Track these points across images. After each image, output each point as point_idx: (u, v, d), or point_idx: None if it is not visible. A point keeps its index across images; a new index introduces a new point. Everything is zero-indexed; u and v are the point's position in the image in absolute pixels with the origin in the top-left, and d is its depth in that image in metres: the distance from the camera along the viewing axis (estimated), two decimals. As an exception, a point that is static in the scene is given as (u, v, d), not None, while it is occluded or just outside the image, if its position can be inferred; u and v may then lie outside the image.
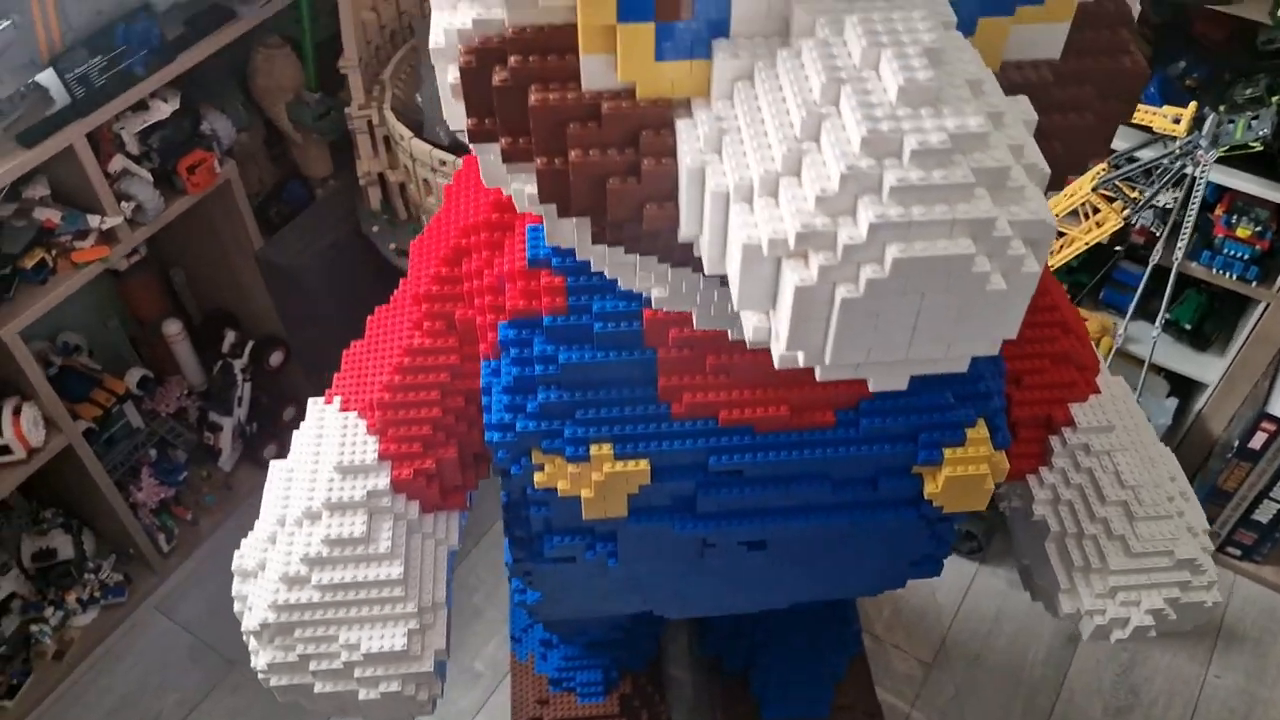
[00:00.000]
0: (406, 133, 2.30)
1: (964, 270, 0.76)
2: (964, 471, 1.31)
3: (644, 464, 1.35)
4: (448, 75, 1.00)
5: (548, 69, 0.93)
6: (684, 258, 1.03)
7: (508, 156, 0.98)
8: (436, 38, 0.99)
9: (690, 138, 0.89)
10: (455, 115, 1.02)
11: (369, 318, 1.55)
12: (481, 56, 0.95)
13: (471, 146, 1.02)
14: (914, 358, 0.82)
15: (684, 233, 0.94)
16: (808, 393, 1.33)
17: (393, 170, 2.44)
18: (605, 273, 1.15)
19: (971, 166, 0.75)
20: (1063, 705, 2.64)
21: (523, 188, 1.07)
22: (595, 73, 0.92)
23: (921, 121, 0.75)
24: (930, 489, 1.43)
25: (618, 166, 0.94)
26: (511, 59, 0.92)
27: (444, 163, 2.30)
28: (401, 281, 1.56)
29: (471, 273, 1.40)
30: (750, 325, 0.87)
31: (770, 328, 0.87)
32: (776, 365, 0.87)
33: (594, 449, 1.34)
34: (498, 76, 0.93)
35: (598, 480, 1.36)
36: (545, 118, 0.93)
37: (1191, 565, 1.49)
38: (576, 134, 0.92)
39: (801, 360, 0.83)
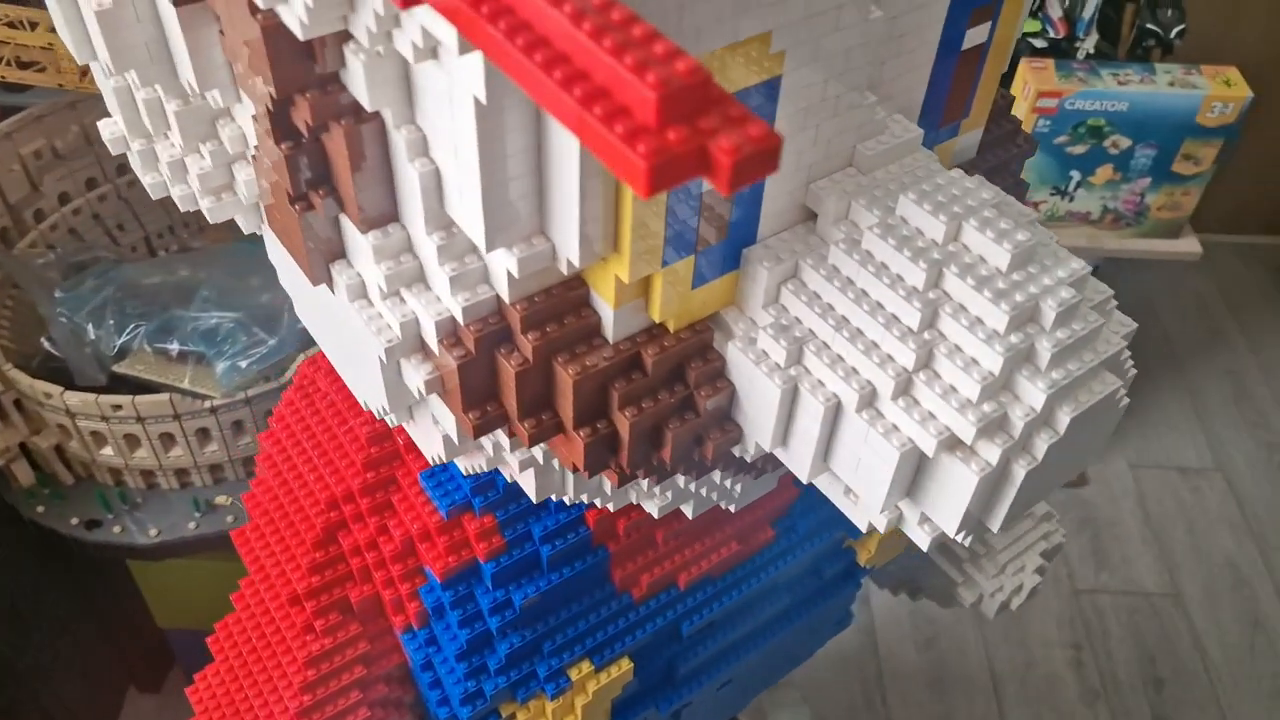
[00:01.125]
0: (52, 389, 1.90)
1: (1113, 400, 0.78)
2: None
3: (625, 663, 1.25)
4: (418, 374, 0.84)
5: (568, 334, 0.80)
6: (718, 465, 0.95)
7: (534, 440, 0.84)
8: (389, 334, 0.83)
9: (753, 356, 0.82)
10: (392, 396, 0.87)
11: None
12: (483, 344, 0.80)
13: (473, 438, 0.86)
14: (1055, 484, 0.83)
15: (759, 451, 0.87)
16: (747, 519, 1.30)
17: (38, 436, 2.00)
18: (577, 499, 1.04)
19: (1091, 306, 0.77)
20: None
21: (514, 462, 0.93)
22: (626, 322, 0.81)
23: (1040, 280, 0.76)
24: (865, 556, 1.47)
25: (671, 408, 0.84)
26: (529, 336, 0.79)
27: (118, 408, 1.93)
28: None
29: (361, 546, 1.19)
30: (884, 521, 0.83)
31: (903, 515, 0.84)
32: (925, 549, 0.84)
33: (573, 672, 1.22)
34: (514, 362, 0.80)
35: (584, 703, 1.24)
36: (587, 388, 0.81)
37: (1046, 516, 1.67)
38: (624, 392, 0.81)
39: (967, 540, 0.81)
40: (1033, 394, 0.74)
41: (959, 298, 0.76)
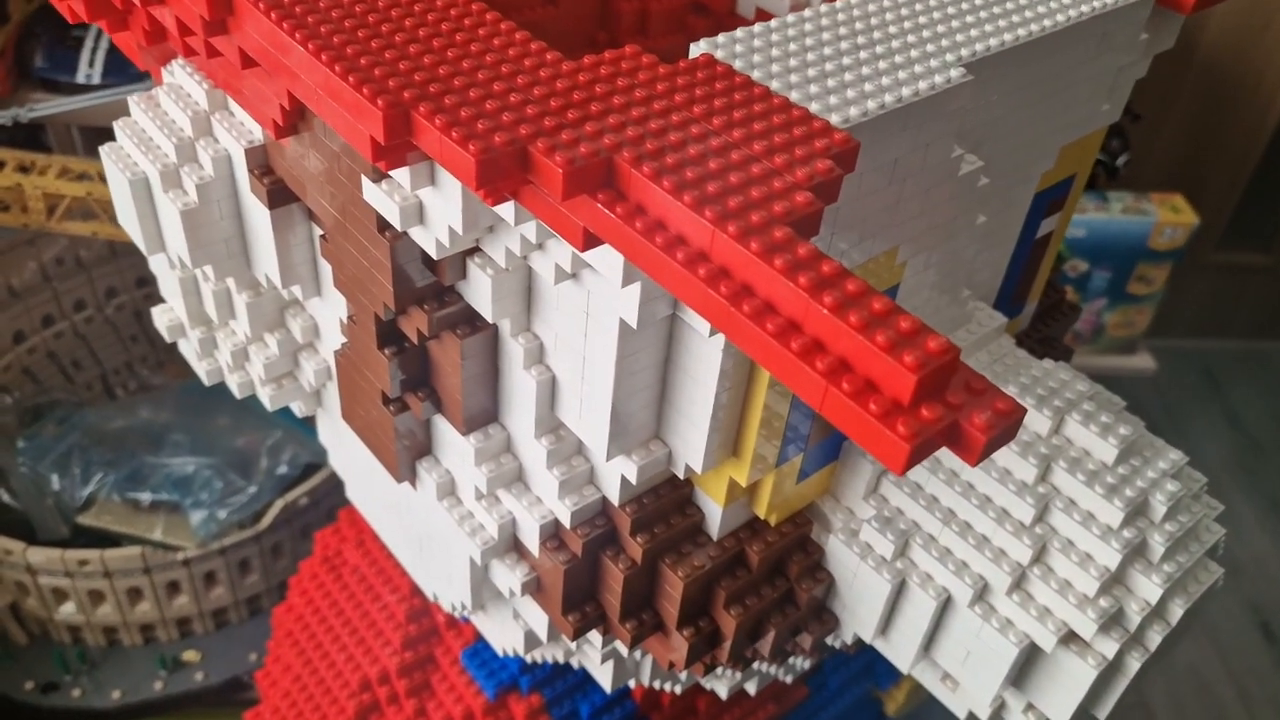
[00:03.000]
0: (12, 544, 1.80)
1: (1216, 589, 0.79)
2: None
3: (671, 834, 1.21)
4: (513, 576, 0.81)
5: (675, 534, 0.79)
6: (813, 656, 0.94)
7: (635, 641, 0.82)
8: (484, 535, 0.81)
9: (857, 549, 0.81)
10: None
11: None
12: (589, 547, 0.78)
13: (572, 639, 0.84)
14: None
15: (856, 640, 0.86)
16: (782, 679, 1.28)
17: (-4, 595, 1.89)
18: (651, 684, 1.01)
19: (1189, 494, 0.79)
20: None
21: (596, 656, 0.90)
22: (732, 519, 0.81)
23: (1145, 473, 0.77)
24: (893, 707, 1.46)
25: (773, 603, 0.83)
26: (638, 538, 0.78)
27: (84, 563, 1.83)
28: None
29: (401, 731, 1.14)
30: (988, 712, 0.83)
31: (1007, 704, 0.83)
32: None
33: None
34: (622, 566, 0.78)
35: None
36: (695, 588, 0.79)
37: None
38: (730, 590, 0.80)
39: (1077, 727, 0.81)
40: (1148, 588, 0.75)
41: (1069, 492, 0.77)
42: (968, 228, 0.76)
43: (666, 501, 0.79)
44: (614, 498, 0.78)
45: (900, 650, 0.85)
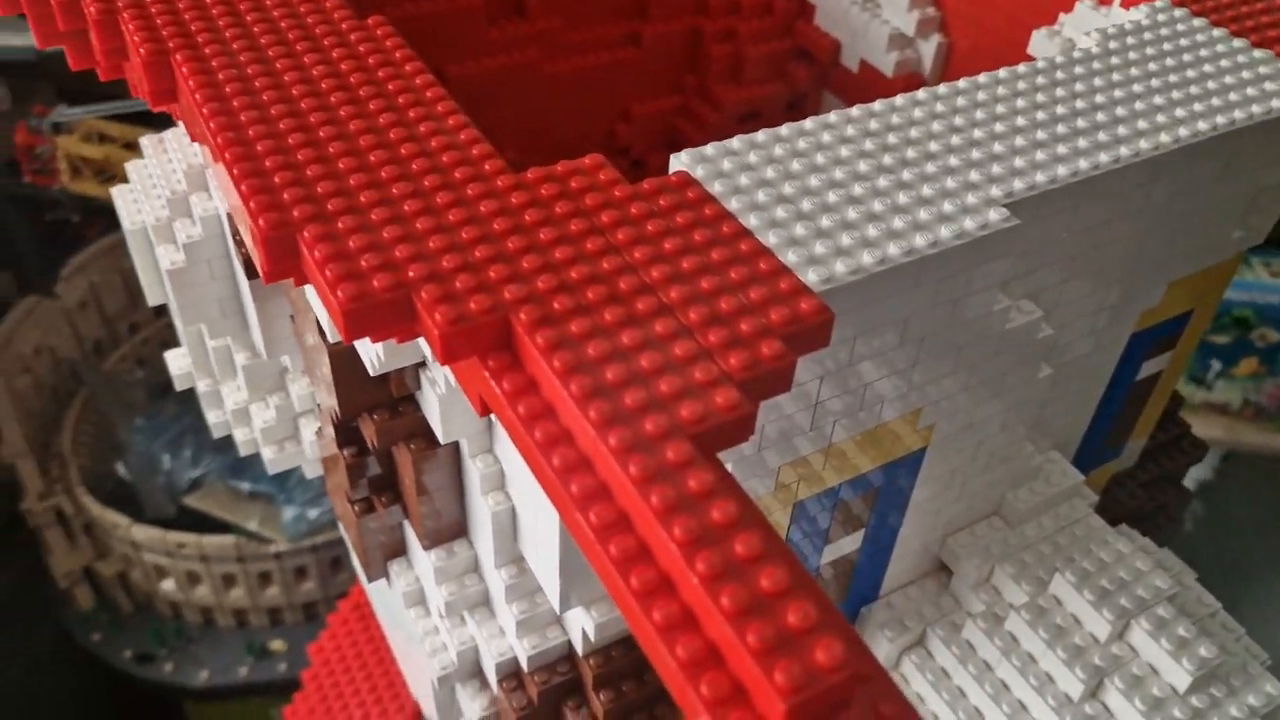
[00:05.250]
0: (120, 519, 1.85)
1: None
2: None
3: None
4: (474, 705, 0.73)
5: (648, 693, 0.69)
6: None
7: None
8: (445, 659, 0.72)
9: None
10: None
11: None
12: (547, 697, 0.69)
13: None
14: None
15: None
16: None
17: (103, 561, 1.95)
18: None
19: (1287, 741, 0.63)
20: None
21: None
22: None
23: (1225, 709, 0.62)
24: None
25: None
26: (602, 696, 0.68)
27: (182, 545, 1.87)
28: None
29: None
30: None
31: None
32: None
33: None
34: (582, 721, 0.68)
35: None
36: (665, 759, 0.69)
37: None
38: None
39: None
40: None
41: (1123, 718, 0.63)
42: (1027, 382, 0.62)
43: (642, 656, 0.69)
44: (578, 646, 0.68)
45: None
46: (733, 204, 0.51)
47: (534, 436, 0.41)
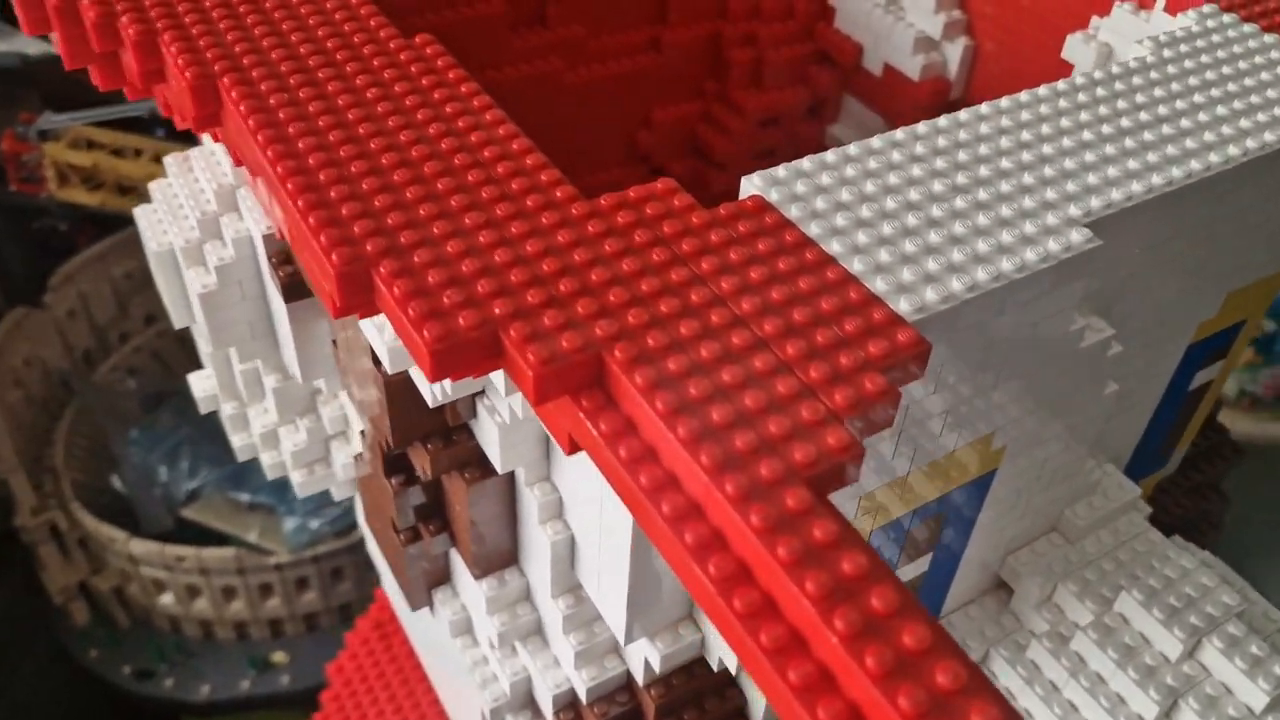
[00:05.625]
0: (117, 534, 1.82)
1: None
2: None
3: None
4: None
5: (707, 721, 0.68)
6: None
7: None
8: (496, 690, 0.71)
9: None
10: None
11: None
12: (605, 727, 0.68)
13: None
14: None
15: None
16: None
17: (99, 575, 1.92)
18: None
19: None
20: None
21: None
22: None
23: (1300, 730, 0.61)
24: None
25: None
26: (661, 727, 0.66)
27: (181, 559, 1.84)
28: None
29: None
30: None
31: None
32: None
33: None
34: (643, 753, 0.67)
35: None
36: (727, 788, 0.67)
37: None
38: (769, 790, 0.68)
39: None
40: None
41: (1200, 738, 0.62)
42: (1094, 400, 0.61)
43: (702, 682, 0.67)
44: (638, 677, 0.66)
45: None
46: (812, 229, 0.50)
47: (638, 481, 0.40)
